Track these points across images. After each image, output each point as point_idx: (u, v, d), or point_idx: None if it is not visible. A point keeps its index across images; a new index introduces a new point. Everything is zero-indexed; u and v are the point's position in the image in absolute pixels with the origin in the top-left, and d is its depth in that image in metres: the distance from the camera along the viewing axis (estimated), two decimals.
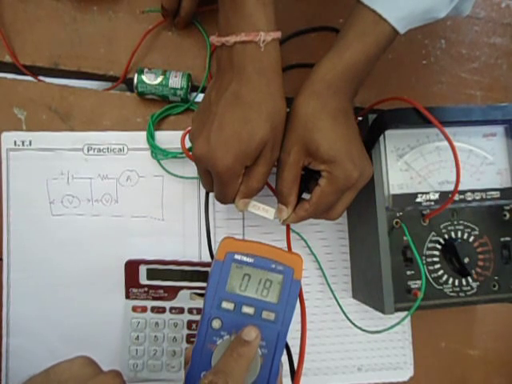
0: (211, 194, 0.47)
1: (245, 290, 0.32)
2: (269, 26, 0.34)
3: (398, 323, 0.39)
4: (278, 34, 0.35)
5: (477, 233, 0.43)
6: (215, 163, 0.35)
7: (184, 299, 0.47)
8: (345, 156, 0.36)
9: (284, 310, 0.31)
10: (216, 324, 0.31)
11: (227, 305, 0.31)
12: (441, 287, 0.42)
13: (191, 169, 0.49)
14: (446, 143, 0.38)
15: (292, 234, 0.49)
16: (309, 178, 0.39)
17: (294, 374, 0.33)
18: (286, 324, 0.31)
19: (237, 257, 0.32)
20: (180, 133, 0.47)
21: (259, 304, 0.31)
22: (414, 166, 0.43)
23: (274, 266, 0.32)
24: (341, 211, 0.39)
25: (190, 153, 0.46)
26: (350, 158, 0.36)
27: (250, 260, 0.32)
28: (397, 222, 0.42)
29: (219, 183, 0.37)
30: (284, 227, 0.43)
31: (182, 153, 0.47)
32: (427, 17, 0.37)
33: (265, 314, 0.31)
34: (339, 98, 0.37)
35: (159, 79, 0.48)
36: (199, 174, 0.39)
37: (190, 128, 0.40)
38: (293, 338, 0.35)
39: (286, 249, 0.42)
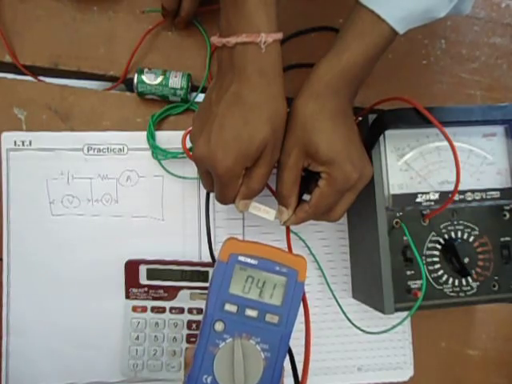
0: (212, 194, 0.47)
1: (248, 292, 0.31)
2: (270, 27, 0.34)
3: (398, 324, 0.39)
4: (279, 35, 0.35)
5: (477, 233, 0.43)
6: (215, 164, 0.35)
7: (184, 299, 0.47)
8: (344, 157, 0.36)
9: (287, 313, 0.31)
10: (219, 327, 0.31)
11: (230, 307, 0.31)
12: (441, 287, 0.42)
13: (191, 169, 0.49)
14: (446, 143, 0.38)
15: (291, 235, 0.49)
16: (309, 180, 0.39)
17: (299, 381, 0.33)
18: (289, 327, 0.31)
19: (240, 258, 0.32)
20: (180, 133, 0.47)
21: (263, 307, 0.31)
22: (414, 166, 0.43)
23: (277, 268, 0.32)
24: (341, 213, 0.39)
25: (191, 153, 0.46)
26: (349, 159, 0.36)
27: (253, 262, 0.31)
28: (397, 222, 0.42)
29: (219, 184, 0.37)
30: (284, 227, 0.43)
31: (182, 153, 0.47)
32: (427, 17, 0.36)
33: (268, 317, 0.31)
34: (338, 98, 0.37)
35: (159, 79, 0.48)
36: (199, 175, 0.39)
37: (190, 128, 0.40)
38: (293, 339, 0.34)
39: (286, 250, 0.42)
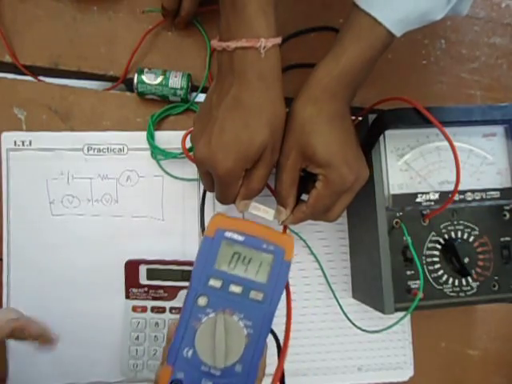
0: (208, 195, 0.47)
1: (234, 268, 0.31)
2: (269, 33, 0.35)
3: (396, 323, 0.40)
4: (278, 40, 0.35)
5: (477, 233, 0.43)
6: (216, 166, 0.35)
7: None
8: (340, 160, 0.36)
9: (272, 291, 0.31)
10: (202, 301, 0.30)
11: (215, 282, 0.31)
12: (441, 287, 0.42)
13: (191, 169, 0.49)
14: (446, 143, 0.38)
15: (292, 234, 0.50)
16: (308, 180, 0.39)
17: (280, 352, 0.33)
18: (273, 305, 0.31)
19: (227, 234, 0.31)
20: (180, 133, 0.47)
21: (247, 283, 0.31)
22: (414, 166, 0.43)
23: (264, 245, 0.31)
24: (338, 213, 0.40)
25: (190, 153, 0.46)
26: (346, 162, 0.36)
27: (240, 238, 0.31)
28: (397, 222, 0.42)
29: (220, 185, 0.37)
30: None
31: (181, 153, 0.47)
32: (424, 19, 0.37)
33: (253, 294, 0.31)
34: (336, 102, 0.37)
35: (159, 79, 0.48)
36: (200, 175, 0.40)
37: (190, 129, 0.41)
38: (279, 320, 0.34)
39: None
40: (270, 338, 0.37)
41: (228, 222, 0.32)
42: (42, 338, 0.39)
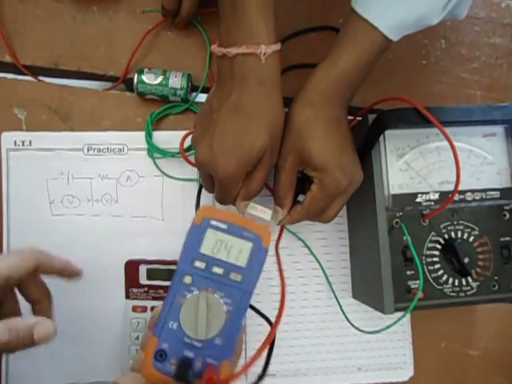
0: (204, 195, 0.47)
1: (217, 252, 0.34)
2: (269, 39, 0.35)
3: (395, 322, 0.40)
4: (277, 47, 0.36)
5: (477, 233, 0.43)
6: (217, 169, 0.36)
7: None
8: (335, 165, 0.37)
9: (250, 273, 0.34)
10: (187, 280, 0.33)
11: (199, 264, 0.34)
12: (441, 287, 0.42)
13: (190, 170, 0.49)
14: (446, 143, 0.38)
15: (291, 235, 0.50)
16: (305, 181, 0.40)
17: (274, 322, 0.35)
18: (251, 286, 0.34)
19: (212, 222, 0.35)
20: (179, 133, 0.47)
21: (228, 266, 0.34)
22: (414, 166, 0.43)
23: (245, 233, 0.35)
24: (333, 215, 0.41)
25: (187, 153, 0.47)
26: (340, 166, 0.37)
27: (223, 226, 0.35)
28: (397, 222, 0.42)
29: (221, 187, 0.38)
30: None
31: (179, 152, 0.47)
32: (420, 24, 0.37)
33: (232, 275, 0.34)
34: (332, 106, 0.38)
35: (159, 79, 0.48)
36: (201, 177, 0.40)
37: (190, 131, 0.41)
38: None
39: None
40: (264, 323, 0.40)
41: (214, 212, 0.35)
42: (66, 271, 0.39)
